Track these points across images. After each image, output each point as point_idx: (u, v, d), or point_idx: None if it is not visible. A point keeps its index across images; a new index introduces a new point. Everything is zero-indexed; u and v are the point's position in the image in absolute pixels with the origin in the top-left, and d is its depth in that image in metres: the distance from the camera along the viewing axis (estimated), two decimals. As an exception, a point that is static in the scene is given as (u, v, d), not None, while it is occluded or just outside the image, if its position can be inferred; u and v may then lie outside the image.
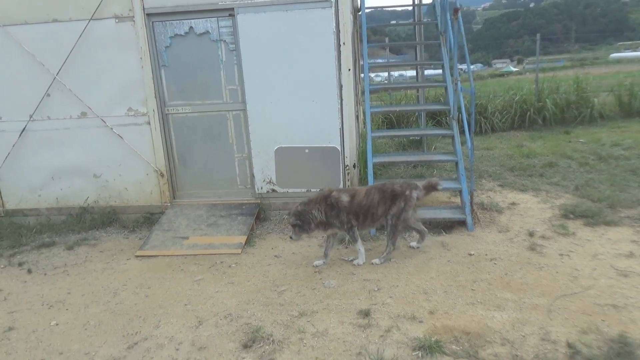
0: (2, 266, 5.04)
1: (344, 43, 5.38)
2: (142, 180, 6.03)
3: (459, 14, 5.19)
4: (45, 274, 4.77)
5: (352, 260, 4.54)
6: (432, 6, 7.51)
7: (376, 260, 4.43)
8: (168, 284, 4.36)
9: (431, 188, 4.61)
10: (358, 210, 4.38)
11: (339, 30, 5.34)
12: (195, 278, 4.43)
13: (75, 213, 6.15)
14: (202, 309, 3.83)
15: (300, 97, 5.57)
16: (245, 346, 3.22)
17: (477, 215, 5.33)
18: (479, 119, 10.69)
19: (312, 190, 5.78)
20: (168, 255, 5.02)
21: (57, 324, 3.78)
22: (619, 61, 33.95)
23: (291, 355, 3.09)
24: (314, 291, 3.99)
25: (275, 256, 4.83)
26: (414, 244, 4.76)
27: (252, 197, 5.94)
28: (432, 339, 3.09)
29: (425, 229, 4.72)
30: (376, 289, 3.93)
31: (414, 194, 4.46)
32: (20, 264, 5.04)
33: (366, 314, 3.51)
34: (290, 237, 4.51)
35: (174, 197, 6.10)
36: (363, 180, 6.03)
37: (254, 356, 3.11)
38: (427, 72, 11.16)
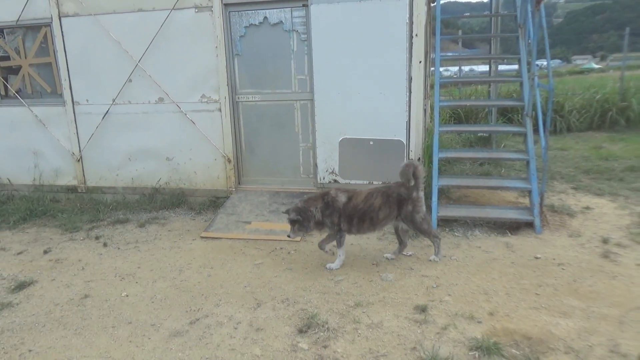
0: (81, 238, 5.45)
1: (416, 35, 5.28)
2: (210, 165, 6.27)
3: (542, 6, 4.93)
4: (118, 248, 5.10)
5: (410, 255, 4.50)
6: (511, -3, 7.17)
7: (434, 257, 4.36)
8: (229, 266, 4.52)
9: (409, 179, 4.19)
10: (353, 214, 4.21)
11: (412, 22, 5.25)
12: (256, 262, 4.56)
13: (147, 193, 6.52)
14: (260, 292, 3.94)
15: (368, 88, 5.54)
16: (301, 331, 3.29)
17: (546, 217, 5.09)
18: (555, 117, 10.16)
19: (374, 182, 5.76)
20: (231, 238, 5.20)
21: (127, 295, 4.04)
22: None
23: (345, 344, 3.12)
24: (371, 283, 3.99)
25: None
26: (388, 255, 4.51)
27: (314, 186, 6.01)
28: (491, 340, 3.01)
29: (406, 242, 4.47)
30: (434, 286, 3.87)
31: (421, 194, 4.28)
32: (97, 238, 5.42)
33: (423, 309, 3.47)
34: (288, 236, 4.33)
35: (239, 183, 6.30)
36: (427, 175, 5.92)
37: (309, 341, 3.17)
38: (500, 67, 10.71)
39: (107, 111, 6.38)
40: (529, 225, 4.97)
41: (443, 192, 5.91)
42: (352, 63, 5.54)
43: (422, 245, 4.73)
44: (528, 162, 5.26)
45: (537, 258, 4.30)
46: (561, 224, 5.06)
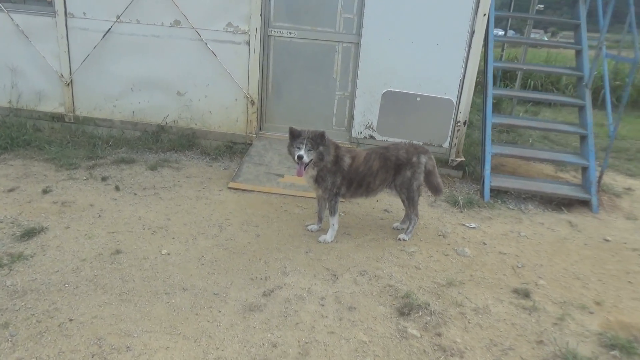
0: (84, 178, 4.65)
1: (488, -17, 4.73)
2: (229, 105, 5.53)
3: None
4: (135, 194, 4.39)
5: (474, 228, 4.15)
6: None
7: (403, 236, 3.84)
8: (277, 225, 3.98)
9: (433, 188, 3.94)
10: (353, 177, 3.70)
11: (491, -33, 4.70)
12: (305, 223, 4.04)
13: (151, 130, 5.69)
14: (328, 260, 3.46)
15: (423, 38, 4.98)
16: (402, 313, 2.87)
17: (600, 197, 4.90)
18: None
19: (414, 142, 5.31)
20: (264, 192, 4.62)
21: (168, 254, 3.42)
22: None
23: (460, 333, 2.74)
24: (448, 258, 3.61)
25: (385, 210, 4.44)
26: (397, 225, 4.10)
27: (347, 140, 5.47)
28: (622, 337, 2.74)
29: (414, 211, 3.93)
30: (520, 265, 3.55)
31: (422, 159, 3.80)
32: (103, 179, 4.64)
33: (525, 294, 3.14)
34: (299, 156, 3.39)
35: (260, 129, 5.63)
36: (470, 140, 5.57)
37: (417, 327, 2.76)
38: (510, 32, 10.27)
39: (109, 29, 5.39)
40: (582, 203, 4.76)
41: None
42: (409, 7, 4.92)
43: (482, 217, 4.40)
44: (585, 137, 4.99)
45: (607, 241, 4.09)
46: (612, 204, 4.90)
